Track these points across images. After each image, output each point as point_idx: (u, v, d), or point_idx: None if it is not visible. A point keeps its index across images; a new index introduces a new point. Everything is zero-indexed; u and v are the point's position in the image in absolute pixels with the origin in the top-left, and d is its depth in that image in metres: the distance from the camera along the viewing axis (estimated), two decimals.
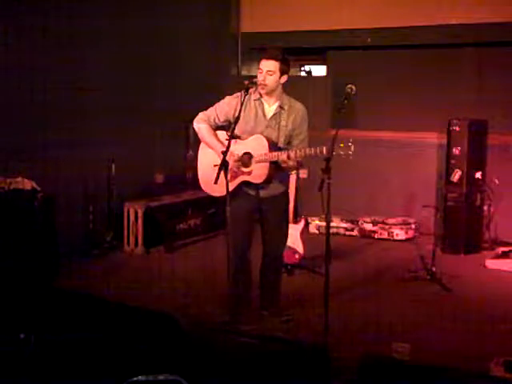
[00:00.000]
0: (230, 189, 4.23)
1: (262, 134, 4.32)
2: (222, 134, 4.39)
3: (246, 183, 4.38)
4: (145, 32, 6.93)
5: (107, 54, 6.44)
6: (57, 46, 5.97)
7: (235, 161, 4.30)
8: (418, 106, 7.36)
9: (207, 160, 4.42)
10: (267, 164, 4.27)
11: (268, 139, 4.28)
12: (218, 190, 4.21)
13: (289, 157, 4.15)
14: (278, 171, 4.36)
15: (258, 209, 4.49)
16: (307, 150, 4.12)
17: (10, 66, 5.58)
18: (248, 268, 4.61)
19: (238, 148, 4.33)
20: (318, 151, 4.05)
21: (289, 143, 4.38)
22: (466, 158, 6.67)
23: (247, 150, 4.33)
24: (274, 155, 4.21)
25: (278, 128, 4.34)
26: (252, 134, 4.34)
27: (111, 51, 6.47)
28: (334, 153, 3.97)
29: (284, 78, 4.32)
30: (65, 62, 6.04)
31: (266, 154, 4.24)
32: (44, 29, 5.87)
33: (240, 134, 4.35)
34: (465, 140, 6.68)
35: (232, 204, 4.16)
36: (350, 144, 3.98)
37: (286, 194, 4.60)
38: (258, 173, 4.31)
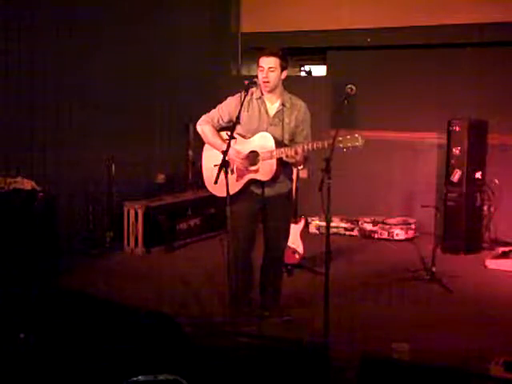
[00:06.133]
0: (238, 188, 4.27)
1: (266, 131, 4.33)
2: (226, 135, 4.39)
3: (253, 182, 4.38)
4: (145, 32, 6.93)
5: (107, 54, 6.43)
6: (57, 47, 5.97)
7: (242, 158, 4.30)
8: (418, 105, 7.36)
9: (212, 161, 4.42)
10: (274, 161, 4.28)
11: (273, 136, 4.29)
12: (224, 191, 4.20)
13: (297, 152, 4.17)
14: (285, 168, 4.38)
15: (262, 208, 4.49)
16: (315, 144, 4.14)
17: (10, 67, 5.59)
18: (250, 268, 4.61)
19: (243, 147, 4.34)
20: (326, 144, 4.07)
21: (292, 140, 4.39)
22: (465, 157, 6.67)
23: (253, 149, 4.33)
24: (281, 151, 4.23)
25: (282, 125, 4.36)
26: (256, 133, 4.35)
27: (111, 51, 6.47)
28: (341, 145, 3.98)
29: (284, 74, 4.35)
30: (65, 62, 6.05)
31: (272, 151, 4.25)
32: (44, 30, 5.88)
33: (244, 134, 4.36)
34: (465, 140, 6.68)
35: (237, 204, 4.17)
36: (356, 135, 3.99)
37: (290, 193, 4.62)
38: (265, 170, 4.32)
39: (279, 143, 4.31)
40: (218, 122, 4.43)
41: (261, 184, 4.39)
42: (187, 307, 4.78)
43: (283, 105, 4.38)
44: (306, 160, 4.41)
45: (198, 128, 4.49)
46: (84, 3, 6.27)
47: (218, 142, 4.38)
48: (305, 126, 4.44)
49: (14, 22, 5.64)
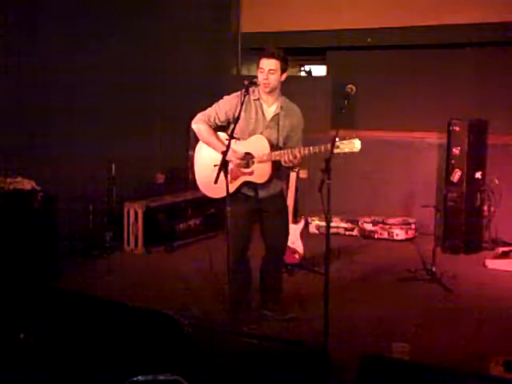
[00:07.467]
0: (231, 190, 4.23)
1: (261, 134, 4.32)
2: (223, 135, 4.39)
3: (245, 184, 4.38)
4: (145, 32, 6.93)
5: (107, 53, 6.43)
6: (57, 46, 5.97)
7: (238, 158, 4.30)
8: (418, 105, 7.37)
9: (205, 162, 4.41)
10: (269, 163, 4.28)
11: (268, 139, 4.29)
12: (218, 192, 4.20)
13: (295, 156, 4.16)
14: (279, 170, 4.37)
15: (257, 210, 4.49)
16: (311, 149, 4.13)
17: (10, 67, 5.59)
18: (247, 268, 4.61)
19: (238, 148, 4.33)
20: (322, 149, 4.06)
21: (285, 144, 4.39)
22: (465, 157, 6.67)
23: (248, 151, 4.33)
24: (276, 154, 4.22)
25: (278, 128, 4.35)
26: (252, 135, 4.34)
27: (111, 51, 6.47)
28: (338, 150, 3.97)
29: (284, 76, 4.35)
30: (65, 62, 6.05)
31: (268, 154, 4.25)
32: (44, 29, 5.88)
33: (240, 135, 4.34)
34: (465, 140, 6.68)
35: (232, 204, 4.16)
36: (353, 141, 3.98)
37: (283, 191, 4.64)
38: (260, 172, 4.32)
39: (274, 146, 4.31)
40: (215, 120, 4.41)
41: (254, 186, 4.39)
42: (187, 307, 4.78)
43: (281, 108, 4.38)
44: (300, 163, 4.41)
45: (194, 126, 4.46)
46: (84, 2, 6.28)
47: (215, 141, 4.37)
48: (297, 131, 4.44)
49: (14, 21, 5.64)
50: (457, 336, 4.44)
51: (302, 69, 9.09)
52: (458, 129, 6.70)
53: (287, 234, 4.73)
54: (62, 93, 6.03)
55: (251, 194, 4.42)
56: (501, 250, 6.47)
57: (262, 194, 4.43)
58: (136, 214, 6.54)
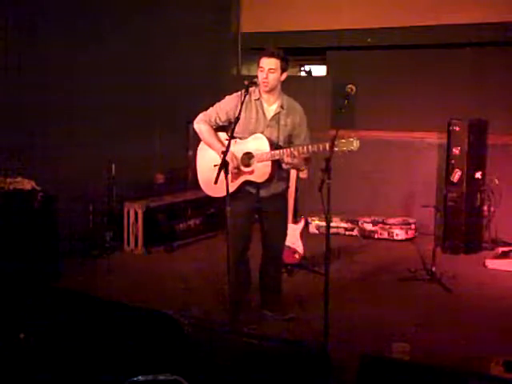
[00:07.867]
0: (232, 189, 4.23)
1: (262, 133, 4.32)
2: (224, 135, 4.39)
3: (246, 183, 4.38)
4: (145, 32, 6.93)
5: (107, 54, 6.43)
6: (57, 47, 5.97)
7: (235, 166, 4.29)
8: (418, 106, 7.37)
9: (207, 161, 4.42)
10: (269, 163, 4.28)
11: (268, 138, 4.29)
12: (219, 191, 4.20)
13: (294, 156, 4.16)
14: (280, 169, 4.37)
15: (258, 208, 4.49)
16: (310, 147, 4.13)
17: (9, 66, 5.59)
18: (247, 268, 4.62)
19: (238, 148, 4.33)
20: (320, 147, 4.06)
21: (290, 143, 4.38)
22: (465, 157, 6.67)
23: (248, 150, 4.33)
24: (276, 154, 4.22)
25: (278, 128, 4.35)
26: (252, 134, 4.34)
27: (111, 51, 6.47)
28: (336, 149, 3.97)
29: (284, 76, 4.34)
30: (65, 62, 6.05)
31: (267, 153, 4.25)
32: (45, 30, 5.88)
33: (241, 134, 4.35)
34: (465, 140, 6.68)
35: (233, 203, 4.16)
36: (351, 140, 3.98)
37: (285, 192, 4.61)
38: (260, 172, 4.32)
39: (274, 145, 4.30)
40: (216, 121, 4.42)
41: (256, 184, 4.39)
42: (187, 307, 4.78)
43: (281, 107, 4.38)
44: (307, 161, 4.40)
45: (196, 126, 4.48)
46: (84, 3, 6.27)
47: (215, 142, 4.38)
48: (301, 129, 4.43)
49: (14, 21, 5.64)
50: (457, 336, 4.44)
51: (302, 69, 9.09)
52: (457, 129, 6.70)
53: (285, 234, 4.72)
54: (61, 93, 6.03)
55: (253, 191, 4.42)
56: (501, 250, 6.47)
57: (262, 193, 4.43)
58: (136, 213, 6.54)
